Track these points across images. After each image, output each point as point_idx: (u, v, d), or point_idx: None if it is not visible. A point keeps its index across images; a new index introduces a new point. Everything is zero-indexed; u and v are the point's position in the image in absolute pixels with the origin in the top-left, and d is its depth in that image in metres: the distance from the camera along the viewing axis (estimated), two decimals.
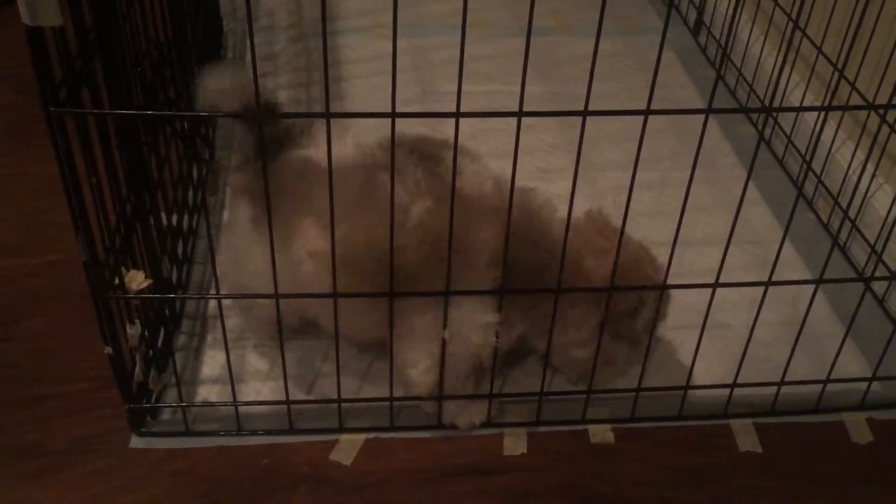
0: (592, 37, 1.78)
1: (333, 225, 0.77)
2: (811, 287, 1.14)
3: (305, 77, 1.58)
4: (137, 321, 0.87)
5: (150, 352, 0.94)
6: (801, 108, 1.20)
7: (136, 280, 0.84)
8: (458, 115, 0.72)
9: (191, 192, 1.22)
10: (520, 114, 0.73)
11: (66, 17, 0.69)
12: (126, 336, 0.87)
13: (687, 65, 1.66)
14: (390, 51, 1.70)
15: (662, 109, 0.73)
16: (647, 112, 0.73)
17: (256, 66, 0.71)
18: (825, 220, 1.26)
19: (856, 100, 1.19)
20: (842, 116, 1.25)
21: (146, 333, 0.92)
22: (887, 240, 1.12)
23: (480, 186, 0.89)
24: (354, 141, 0.93)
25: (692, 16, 1.75)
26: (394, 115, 0.71)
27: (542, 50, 1.69)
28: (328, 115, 0.71)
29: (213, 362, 1.03)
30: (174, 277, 1.08)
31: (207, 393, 0.99)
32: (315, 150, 0.91)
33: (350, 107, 1.51)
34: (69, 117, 0.72)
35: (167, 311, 1.05)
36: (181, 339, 1.05)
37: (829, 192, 1.26)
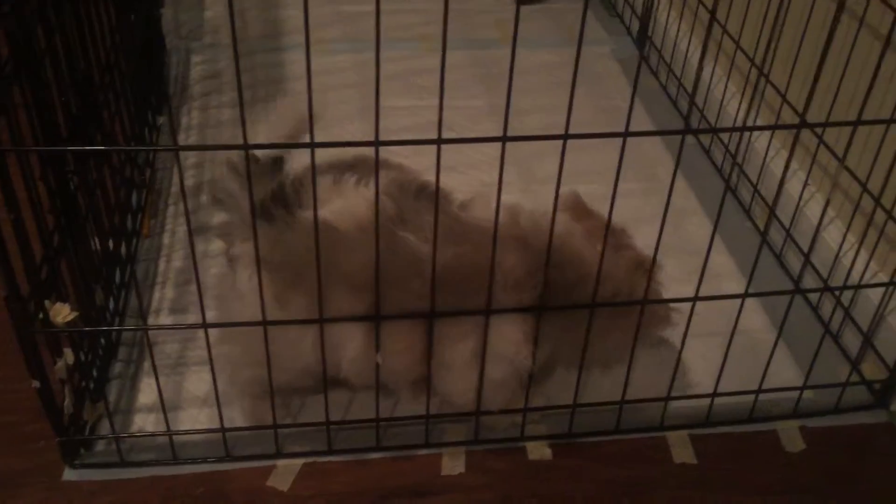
0: (537, 48, 1.82)
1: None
2: (754, 307, 1.16)
3: (249, 95, 1.58)
4: (65, 354, 0.86)
5: (83, 382, 0.93)
6: (744, 129, 1.21)
7: (62, 313, 0.83)
8: (439, 141, 0.73)
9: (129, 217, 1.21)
10: (504, 139, 0.73)
11: None
12: (54, 370, 0.86)
13: (630, 75, 1.68)
14: (335, 66, 1.72)
15: (642, 132, 0.75)
16: (625, 134, 0.74)
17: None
18: (762, 229, 1.28)
19: (788, 114, 1.22)
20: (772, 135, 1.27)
21: (78, 364, 0.91)
22: (810, 249, 1.14)
23: (491, 215, 0.84)
24: (360, 193, 0.91)
25: (636, 25, 1.77)
26: (377, 143, 0.72)
27: (487, 63, 1.70)
28: (312, 146, 0.72)
29: (149, 389, 1.02)
30: (111, 304, 1.07)
31: (143, 422, 0.98)
32: (328, 211, 0.87)
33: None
34: None
35: (102, 340, 1.04)
36: (117, 367, 1.04)
37: (766, 202, 1.28)
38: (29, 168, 0.82)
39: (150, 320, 1.11)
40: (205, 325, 0.83)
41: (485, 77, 1.66)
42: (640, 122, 1.55)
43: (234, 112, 1.53)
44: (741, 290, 0.89)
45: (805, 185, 1.19)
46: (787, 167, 0.85)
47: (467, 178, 1.39)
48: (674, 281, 1.16)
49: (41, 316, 0.82)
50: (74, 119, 0.95)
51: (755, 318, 1.14)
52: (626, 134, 0.74)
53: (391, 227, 0.87)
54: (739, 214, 1.33)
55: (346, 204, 0.89)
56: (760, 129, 0.80)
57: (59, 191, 0.88)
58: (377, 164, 0.76)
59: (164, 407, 0.91)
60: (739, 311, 0.91)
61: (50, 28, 0.90)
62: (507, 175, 1.40)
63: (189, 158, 1.41)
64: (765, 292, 1.03)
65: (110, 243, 1.08)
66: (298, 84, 1.60)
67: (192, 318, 1.12)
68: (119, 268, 1.13)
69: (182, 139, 1.45)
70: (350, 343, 0.87)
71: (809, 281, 1.18)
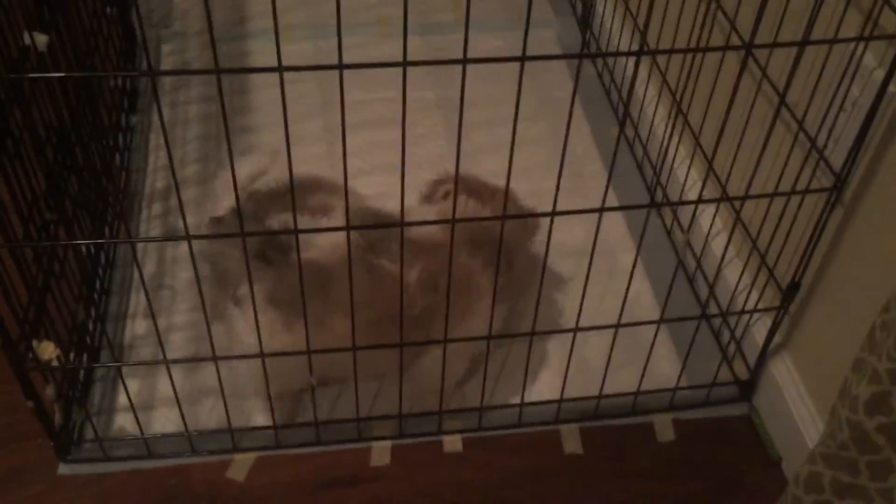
0: (493, 31, 1.93)
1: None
2: (647, 293, 1.34)
3: (216, 88, 1.70)
4: (52, 382, 1.05)
5: (70, 392, 1.12)
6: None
7: (48, 351, 1.01)
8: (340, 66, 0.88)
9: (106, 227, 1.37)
10: (453, 221, 0.89)
11: None
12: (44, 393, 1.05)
13: (571, 63, 1.79)
14: (300, 55, 1.82)
15: (616, 207, 0.90)
16: (601, 210, 0.89)
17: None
18: (668, 228, 1.45)
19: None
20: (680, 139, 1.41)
21: (64, 381, 1.10)
22: (715, 277, 1.30)
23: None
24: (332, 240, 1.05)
25: (580, 9, 1.87)
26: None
27: (441, 49, 1.81)
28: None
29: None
30: (92, 311, 1.25)
31: (123, 421, 1.18)
32: (317, 252, 1.03)
33: (255, 119, 1.64)
34: None
35: (88, 339, 1.22)
36: (99, 371, 1.23)
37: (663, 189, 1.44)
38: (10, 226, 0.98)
39: (128, 323, 1.29)
40: (214, 359, 1.00)
41: (436, 66, 1.77)
42: (576, 117, 1.68)
43: (200, 108, 1.66)
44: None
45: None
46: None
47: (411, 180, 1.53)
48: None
49: (31, 355, 1.00)
50: (49, 171, 1.10)
51: (651, 315, 1.32)
52: (602, 210, 0.90)
53: (367, 256, 1.04)
54: (652, 212, 1.49)
55: (328, 243, 1.05)
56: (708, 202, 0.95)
57: (40, 235, 1.05)
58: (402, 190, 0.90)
59: (137, 418, 1.09)
60: (622, 308, 1.09)
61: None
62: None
63: (160, 160, 1.55)
64: (674, 318, 1.20)
65: (88, 258, 1.25)
66: (263, 77, 1.72)
67: (164, 321, 1.29)
68: (97, 277, 1.30)
69: (153, 137, 1.59)
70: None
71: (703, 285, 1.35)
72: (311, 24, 1.86)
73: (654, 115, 1.52)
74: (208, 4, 0.68)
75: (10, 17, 1.05)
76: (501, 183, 1.10)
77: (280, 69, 0.76)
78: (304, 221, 1.10)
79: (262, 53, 1.78)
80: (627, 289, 1.01)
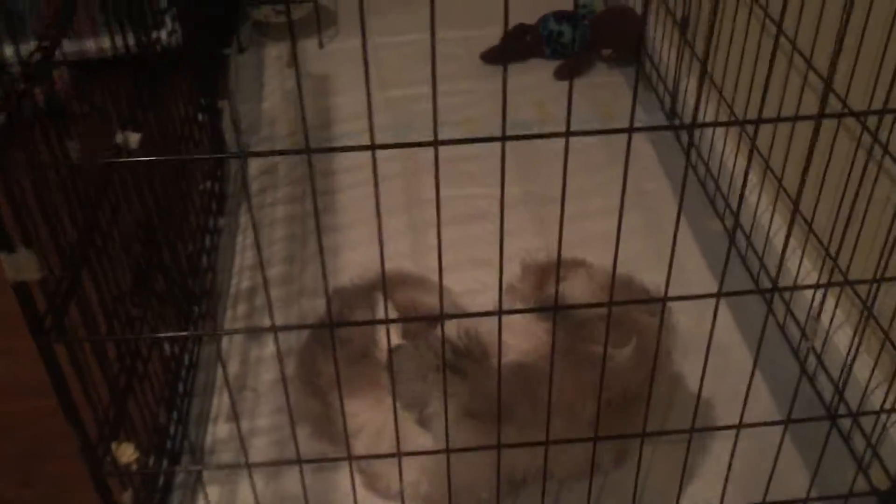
0: (582, 126, 1.89)
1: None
2: (763, 393, 1.22)
3: (301, 190, 1.70)
4: (130, 489, 1.00)
5: (149, 499, 1.06)
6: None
7: (126, 454, 0.96)
8: (442, 317, 0.82)
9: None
10: (500, 313, 0.83)
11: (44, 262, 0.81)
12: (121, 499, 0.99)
13: (661, 153, 1.74)
14: (386, 156, 1.83)
15: (734, 292, 0.83)
16: (718, 295, 0.83)
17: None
18: (780, 322, 1.33)
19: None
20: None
21: (144, 485, 1.04)
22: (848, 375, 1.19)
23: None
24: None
25: (668, 101, 1.82)
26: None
27: (524, 145, 1.78)
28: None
29: (209, 500, 1.15)
30: (174, 412, 1.21)
31: None
32: (514, 355, 1.00)
33: (340, 219, 1.62)
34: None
35: (169, 444, 1.17)
36: (180, 476, 1.18)
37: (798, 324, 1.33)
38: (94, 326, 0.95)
39: (209, 427, 1.24)
40: (299, 461, 0.94)
41: (520, 161, 1.75)
42: (666, 202, 1.61)
43: (286, 208, 1.66)
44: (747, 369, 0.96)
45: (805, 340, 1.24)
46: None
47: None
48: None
49: (109, 458, 0.95)
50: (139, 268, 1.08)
51: (767, 412, 1.20)
52: (718, 295, 0.82)
53: (577, 346, 0.98)
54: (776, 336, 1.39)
55: (530, 346, 1.00)
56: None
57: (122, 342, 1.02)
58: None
59: None
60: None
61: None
62: None
63: (247, 260, 1.54)
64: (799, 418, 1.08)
65: (172, 360, 1.22)
66: (348, 176, 1.71)
67: (246, 424, 1.24)
68: (180, 379, 1.26)
69: (240, 239, 1.59)
70: None
71: (824, 380, 1.22)
72: (397, 125, 1.87)
73: (757, 203, 1.43)
74: (302, 102, 0.65)
75: (103, 115, 1.06)
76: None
77: (372, 147, 0.72)
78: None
79: (347, 157, 1.78)
80: (748, 389, 0.91)
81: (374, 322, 0.86)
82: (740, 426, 0.96)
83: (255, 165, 1.78)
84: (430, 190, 1.67)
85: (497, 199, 1.64)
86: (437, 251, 0.77)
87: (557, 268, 0.84)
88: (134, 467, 0.98)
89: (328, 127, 1.88)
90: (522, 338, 1.00)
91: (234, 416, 0.90)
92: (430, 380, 1.00)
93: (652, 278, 1.13)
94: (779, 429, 1.19)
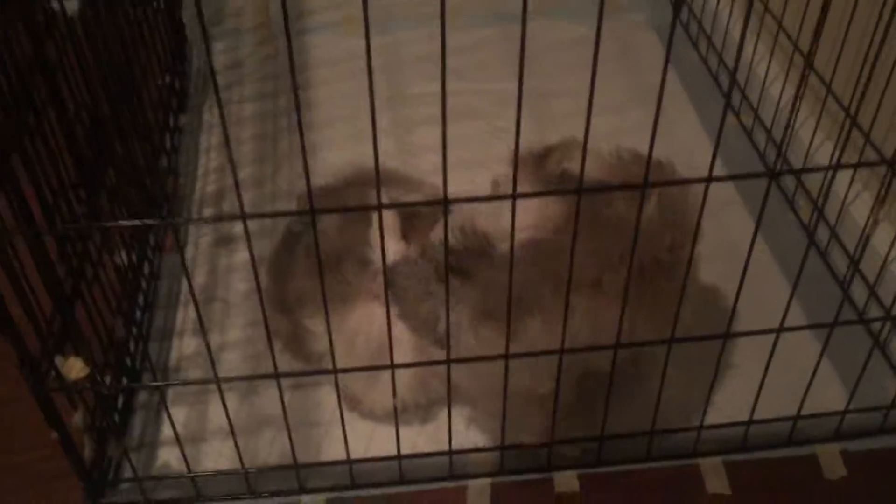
0: (574, 20, 1.73)
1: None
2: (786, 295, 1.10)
3: (272, 86, 1.54)
4: (79, 410, 0.86)
5: (105, 422, 0.93)
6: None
7: (75, 369, 0.83)
8: (445, 201, 0.68)
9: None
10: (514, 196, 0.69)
11: None
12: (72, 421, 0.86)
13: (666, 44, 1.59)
14: (362, 49, 1.66)
15: (725, 176, 0.71)
16: (708, 179, 0.69)
17: None
18: (806, 221, 1.21)
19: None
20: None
21: (97, 407, 0.91)
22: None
23: None
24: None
25: None
26: (445, 202, 0.68)
27: (518, 39, 1.62)
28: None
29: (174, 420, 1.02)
30: (133, 328, 1.07)
31: (168, 456, 0.98)
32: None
33: (316, 116, 1.46)
34: None
35: (128, 361, 1.04)
36: (141, 396, 1.05)
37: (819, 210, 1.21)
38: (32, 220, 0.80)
39: (174, 342, 1.11)
40: (276, 376, 0.81)
41: (516, 56, 1.58)
42: (678, 98, 1.47)
43: (254, 106, 1.49)
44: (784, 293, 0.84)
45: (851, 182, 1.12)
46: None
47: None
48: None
49: (54, 373, 0.81)
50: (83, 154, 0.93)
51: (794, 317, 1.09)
52: (710, 179, 0.69)
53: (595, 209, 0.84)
54: (782, 203, 1.26)
55: (527, 219, 0.86)
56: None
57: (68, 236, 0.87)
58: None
59: (184, 453, 0.89)
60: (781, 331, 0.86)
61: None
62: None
63: (212, 161, 1.39)
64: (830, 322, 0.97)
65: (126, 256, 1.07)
66: (324, 71, 1.55)
67: (217, 338, 1.11)
68: (140, 291, 1.12)
69: (204, 138, 1.43)
70: None
71: (859, 289, 1.11)
72: (374, 16, 1.69)
73: (766, 74, 1.30)
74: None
75: None
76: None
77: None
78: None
79: (320, 48, 1.61)
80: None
81: (363, 208, 0.72)
82: (781, 329, 0.85)
83: (220, 61, 1.60)
84: (416, 85, 1.51)
85: (491, 94, 1.49)
86: (441, 134, 0.62)
87: (585, 145, 0.70)
88: (86, 386, 0.84)
89: (302, 18, 1.70)
90: (530, 214, 0.87)
91: (201, 326, 0.76)
92: (437, 293, 0.87)
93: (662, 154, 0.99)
94: (807, 337, 1.08)
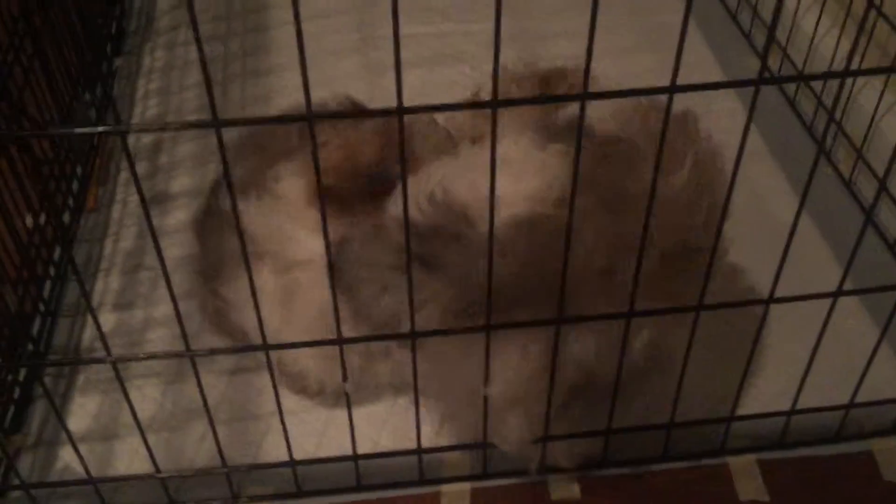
0: None
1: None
2: (829, 260, 0.92)
3: (224, 27, 1.34)
4: None
5: None
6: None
7: None
8: (400, 110, 0.49)
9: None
10: (494, 104, 0.50)
11: None
12: None
13: None
14: None
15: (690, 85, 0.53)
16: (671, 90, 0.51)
17: None
18: (847, 178, 1.03)
19: None
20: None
21: None
22: None
23: None
24: None
25: None
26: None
27: None
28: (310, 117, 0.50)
29: (82, 412, 0.83)
30: (41, 304, 0.88)
31: (72, 456, 0.79)
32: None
33: (276, 59, 1.27)
34: None
35: (30, 345, 0.85)
36: (47, 382, 0.86)
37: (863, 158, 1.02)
38: None
39: (88, 321, 0.92)
40: (266, 347, 0.62)
41: None
42: (692, 38, 1.28)
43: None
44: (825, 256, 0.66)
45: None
46: None
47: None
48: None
49: None
50: None
51: (848, 304, 0.90)
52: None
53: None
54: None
55: (521, 184, 0.66)
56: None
57: None
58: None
59: (79, 454, 0.70)
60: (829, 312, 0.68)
61: None
62: None
63: (149, 110, 1.19)
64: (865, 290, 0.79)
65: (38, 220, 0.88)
66: (283, 12, 1.35)
67: (140, 313, 0.92)
68: (58, 252, 0.93)
69: (142, 84, 1.23)
70: None
71: None
72: None
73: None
74: None
75: None
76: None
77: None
78: None
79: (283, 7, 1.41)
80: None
81: (294, 119, 0.52)
82: (839, 293, 0.66)
83: (163, 4, 1.40)
84: (388, 26, 1.32)
85: (475, 35, 1.30)
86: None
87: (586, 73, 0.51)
88: None
89: None
90: (526, 181, 0.68)
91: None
92: (396, 283, 0.67)
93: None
94: (857, 308, 0.90)
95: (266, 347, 0.63)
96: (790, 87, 1.15)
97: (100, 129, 0.57)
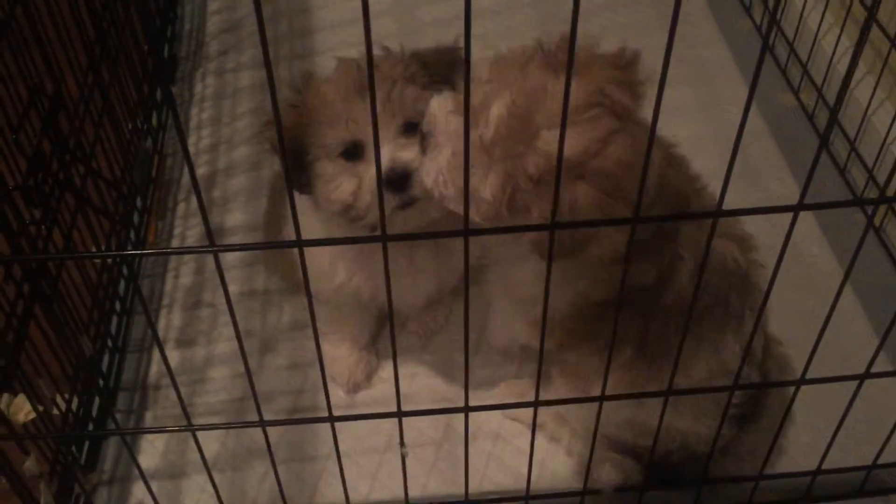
0: None
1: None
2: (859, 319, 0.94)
3: (273, 53, 1.37)
4: (34, 451, 0.74)
5: (70, 456, 0.81)
6: None
7: (23, 410, 0.70)
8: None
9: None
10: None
11: None
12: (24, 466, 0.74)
13: (717, 12, 1.41)
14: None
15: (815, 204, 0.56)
16: (798, 208, 0.55)
17: None
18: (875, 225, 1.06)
19: None
20: None
21: (62, 442, 0.79)
22: None
23: None
24: None
25: None
26: None
27: None
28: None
29: (151, 449, 0.89)
30: (109, 340, 0.94)
31: (143, 493, 0.86)
32: None
33: (319, 43, 1.36)
34: None
35: (101, 381, 0.92)
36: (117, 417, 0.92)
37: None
38: None
39: (155, 354, 0.98)
40: (262, 424, 0.67)
41: None
42: (726, 72, 1.30)
43: (252, 75, 1.34)
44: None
45: None
46: None
47: None
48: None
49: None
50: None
51: (867, 345, 0.94)
52: (799, 207, 0.54)
53: None
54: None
55: None
56: None
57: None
58: None
59: (151, 491, 0.76)
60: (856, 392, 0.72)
61: None
62: None
63: (202, 140, 1.24)
64: None
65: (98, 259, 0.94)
66: (331, 36, 1.39)
67: (202, 351, 0.98)
68: (116, 296, 0.99)
69: (195, 113, 1.28)
70: None
71: None
72: None
73: None
74: None
75: None
76: None
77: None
78: None
79: (325, 10, 1.44)
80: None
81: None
82: (867, 375, 0.70)
83: (214, 23, 1.44)
84: (426, 10, 1.39)
85: None
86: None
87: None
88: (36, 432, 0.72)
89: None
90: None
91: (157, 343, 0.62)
92: None
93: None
94: (882, 364, 0.94)
95: (331, 419, 0.68)
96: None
97: (111, 252, 0.61)
